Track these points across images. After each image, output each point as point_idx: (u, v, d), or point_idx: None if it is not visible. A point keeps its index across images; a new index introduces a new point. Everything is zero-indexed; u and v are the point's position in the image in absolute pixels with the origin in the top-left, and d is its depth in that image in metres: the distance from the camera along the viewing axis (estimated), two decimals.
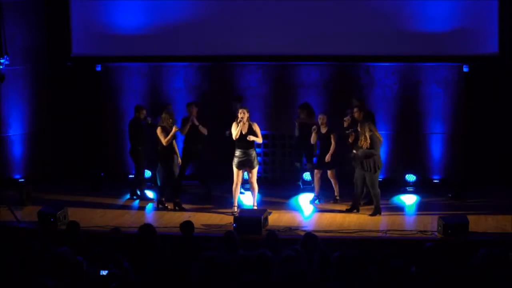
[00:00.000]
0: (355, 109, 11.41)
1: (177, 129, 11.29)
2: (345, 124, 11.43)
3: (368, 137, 10.71)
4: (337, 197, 11.77)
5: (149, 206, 11.82)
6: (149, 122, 12.09)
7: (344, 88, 13.07)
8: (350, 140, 11.10)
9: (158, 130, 11.24)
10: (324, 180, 12.03)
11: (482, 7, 12.21)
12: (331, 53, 12.62)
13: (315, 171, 11.81)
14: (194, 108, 11.88)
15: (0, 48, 11.91)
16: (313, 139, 11.72)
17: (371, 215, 10.90)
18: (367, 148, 10.74)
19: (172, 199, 11.46)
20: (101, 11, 13.09)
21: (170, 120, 11.31)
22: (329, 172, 11.69)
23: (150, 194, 12.31)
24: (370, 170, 10.80)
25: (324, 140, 11.63)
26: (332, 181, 11.73)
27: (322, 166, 11.66)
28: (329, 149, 11.52)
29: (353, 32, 12.42)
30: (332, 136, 11.54)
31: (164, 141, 11.20)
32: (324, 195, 11.88)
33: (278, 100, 13.30)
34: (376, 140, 10.77)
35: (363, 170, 10.85)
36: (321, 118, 11.64)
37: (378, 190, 10.93)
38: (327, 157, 11.49)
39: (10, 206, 10.99)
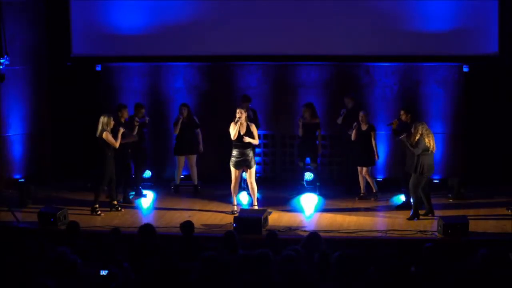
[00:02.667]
0: (402, 112, 11.35)
1: (123, 130, 11.27)
2: (394, 126, 11.35)
3: (417, 137, 10.46)
4: (377, 194, 11.95)
5: (149, 207, 11.84)
6: (147, 121, 12.16)
7: (344, 88, 13.06)
8: (402, 146, 10.98)
9: (105, 135, 11.08)
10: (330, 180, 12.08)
11: (482, 7, 12.21)
12: (331, 53, 12.61)
13: (358, 168, 11.91)
14: (124, 112, 11.88)
15: (0, 48, 11.91)
16: (353, 136, 11.81)
17: (408, 219, 10.68)
18: (411, 144, 10.50)
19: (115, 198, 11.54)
20: (101, 11, 13.08)
21: (112, 123, 11.21)
22: (364, 169, 11.86)
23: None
24: (416, 172, 10.52)
25: (364, 137, 11.74)
26: (369, 179, 11.90)
27: (362, 163, 11.82)
28: (369, 146, 11.68)
29: (353, 32, 12.41)
30: (372, 133, 11.60)
31: (116, 144, 11.13)
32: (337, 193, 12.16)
33: (278, 100, 13.30)
34: (422, 142, 10.45)
35: (411, 170, 10.60)
36: (361, 116, 11.73)
37: (419, 193, 10.67)
38: (377, 157, 11.72)
39: (10, 206, 10.99)
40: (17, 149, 13.33)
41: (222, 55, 12.91)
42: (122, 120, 11.77)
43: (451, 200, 11.82)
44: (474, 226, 10.06)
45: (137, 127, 11.93)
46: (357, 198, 11.98)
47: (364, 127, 11.78)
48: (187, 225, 8.66)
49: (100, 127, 11.11)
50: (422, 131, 10.48)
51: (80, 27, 13.13)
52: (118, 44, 13.01)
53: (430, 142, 10.52)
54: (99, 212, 11.17)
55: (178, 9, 12.80)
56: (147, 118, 12.24)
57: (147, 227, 8.20)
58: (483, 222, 10.44)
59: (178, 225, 8.83)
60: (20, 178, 12.99)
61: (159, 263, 6.35)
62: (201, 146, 12.57)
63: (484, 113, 12.66)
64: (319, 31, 12.49)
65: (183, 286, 6.28)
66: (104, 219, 10.97)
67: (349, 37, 12.44)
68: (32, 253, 7.20)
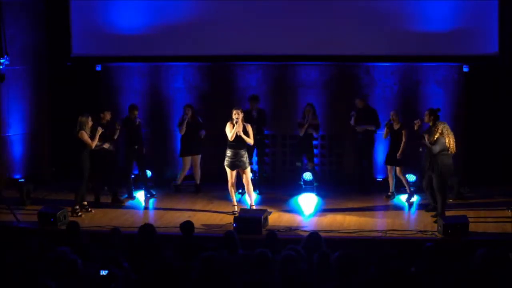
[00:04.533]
0: (426, 113, 11.11)
1: (102, 130, 11.24)
2: (416, 127, 11.20)
3: (436, 135, 10.30)
4: (392, 194, 11.90)
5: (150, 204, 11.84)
6: (137, 123, 12.11)
7: (344, 88, 13.08)
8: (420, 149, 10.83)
9: (81, 135, 11.06)
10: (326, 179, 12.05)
11: (482, 7, 12.21)
12: (331, 53, 12.62)
13: (388, 167, 11.87)
14: (106, 114, 11.84)
15: (0, 48, 11.91)
16: (385, 135, 11.80)
17: (432, 216, 10.62)
18: (430, 142, 10.32)
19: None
20: (101, 11, 13.09)
21: (90, 123, 11.19)
22: (397, 169, 11.79)
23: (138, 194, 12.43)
24: (434, 172, 10.40)
25: (396, 137, 11.69)
26: (401, 178, 11.80)
27: (392, 162, 11.77)
28: (400, 146, 11.57)
29: (353, 32, 12.42)
30: (403, 132, 11.57)
31: (92, 144, 11.12)
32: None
33: (278, 100, 13.30)
34: (441, 141, 10.29)
35: (430, 170, 10.47)
36: (393, 115, 11.70)
37: (444, 195, 10.52)
38: (398, 154, 11.57)
39: (10, 206, 10.99)
40: (17, 149, 13.34)
41: (222, 55, 12.92)
42: (104, 122, 11.74)
43: (451, 200, 11.79)
44: (474, 226, 10.06)
45: (118, 131, 11.88)
46: (385, 197, 11.99)
47: (396, 126, 11.69)
48: (187, 225, 8.66)
49: (77, 127, 11.11)
50: (442, 130, 10.34)
51: (80, 27, 13.14)
52: (118, 44, 13.01)
53: (450, 142, 10.35)
54: (80, 213, 11.14)
55: (178, 9, 12.81)
56: (138, 120, 12.18)
57: (147, 227, 8.20)
58: (483, 222, 10.43)
59: (178, 225, 8.83)
60: (20, 178, 12.98)
61: (159, 263, 6.34)
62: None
63: (484, 113, 12.66)
64: (319, 31, 12.49)
65: (183, 286, 6.28)
66: (104, 219, 10.97)
67: (349, 37, 12.45)
68: (32, 253, 7.20)
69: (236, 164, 11.03)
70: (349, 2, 12.45)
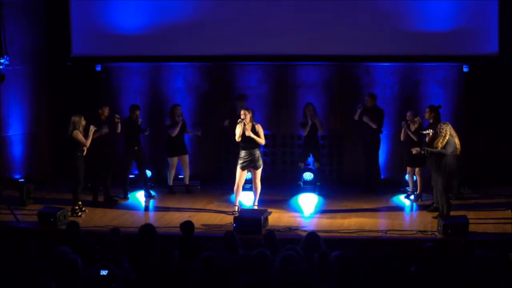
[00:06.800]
0: (426, 109, 11.29)
1: (94, 129, 11.24)
2: (416, 125, 11.32)
3: (445, 137, 10.28)
4: (419, 194, 11.80)
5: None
6: (139, 123, 12.13)
7: (344, 88, 13.08)
8: (427, 140, 10.72)
9: (75, 134, 11.08)
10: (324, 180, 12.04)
11: (482, 7, 12.21)
12: (331, 53, 12.61)
13: (408, 168, 11.85)
14: (104, 110, 11.87)
15: (0, 48, 11.91)
16: (403, 135, 11.74)
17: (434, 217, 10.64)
18: (441, 148, 10.29)
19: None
20: (101, 11, 13.09)
21: (83, 122, 11.19)
22: (416, 169, 11.74)
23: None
24: (443, 172, 10.34)
25: (412, 138, 11.61)
26: (418, 177, 11.76)
27: (413, 163, 11.69)
28: (417, 146, 11.44)
29: (353, 32, 12.42)
30: (419, 134, 11.49)
31: (86, 143, 11.12)
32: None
33: (278, 100, 13.30)
34: (452, 142, 10.30)
35: (436, 171, 10.46)
36: (409, 116, 11.67)
37: (448, 196, 10.50)
38: (414, 150, 11.27)
39: (10, 206, 10.99)
40: (17, 149, 13.33)
41: (222, 55, 12.91)
42: (103, 118, 11.76)
43: (451, 200, 11.80)
44: (474, 226, 10.05)
45: (119, 125, 11.90)
46: (406, 198, 11.96)
47: (413, 128, 11.60)
48: (187, 225, 8.66)
49: (71, 127, 11.12)
50: (450, 132, 10.32)
51: (80, 27, 13.13)
52: (118, 44, 13.01)
53: (456, 143, 10.39)
54: (80, 214, 11.16)
55: (178, 9, 12.80)
56: (140, 120, 12.20)
57: (147, 227, 8.20)
58: (483, 222, 10.43)
59: (178, 225, 8.83)
60: (20, 178, 12.98)
61: (159, 263, 6.34)
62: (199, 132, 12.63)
63: (484, 113, 12.66)
64: (319, 31, 12.49)
65: (183, 286, 6.28)
66: (103, 219, 10.97)
67: (349, 37, 12.45)
68: (32, 253, 7.21)
69: (249, 164, 11.02)
70: (349, 2, 12.44)
